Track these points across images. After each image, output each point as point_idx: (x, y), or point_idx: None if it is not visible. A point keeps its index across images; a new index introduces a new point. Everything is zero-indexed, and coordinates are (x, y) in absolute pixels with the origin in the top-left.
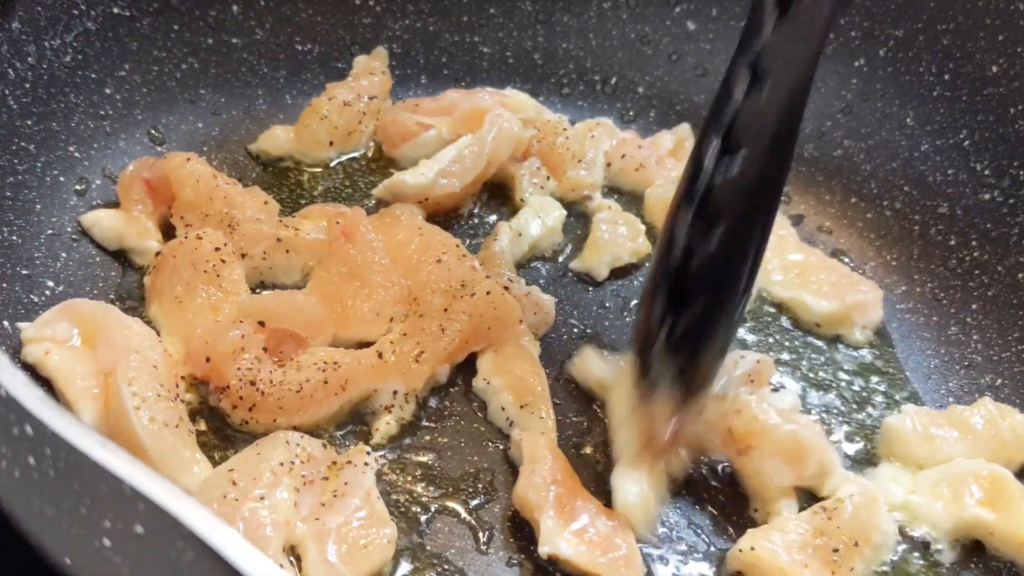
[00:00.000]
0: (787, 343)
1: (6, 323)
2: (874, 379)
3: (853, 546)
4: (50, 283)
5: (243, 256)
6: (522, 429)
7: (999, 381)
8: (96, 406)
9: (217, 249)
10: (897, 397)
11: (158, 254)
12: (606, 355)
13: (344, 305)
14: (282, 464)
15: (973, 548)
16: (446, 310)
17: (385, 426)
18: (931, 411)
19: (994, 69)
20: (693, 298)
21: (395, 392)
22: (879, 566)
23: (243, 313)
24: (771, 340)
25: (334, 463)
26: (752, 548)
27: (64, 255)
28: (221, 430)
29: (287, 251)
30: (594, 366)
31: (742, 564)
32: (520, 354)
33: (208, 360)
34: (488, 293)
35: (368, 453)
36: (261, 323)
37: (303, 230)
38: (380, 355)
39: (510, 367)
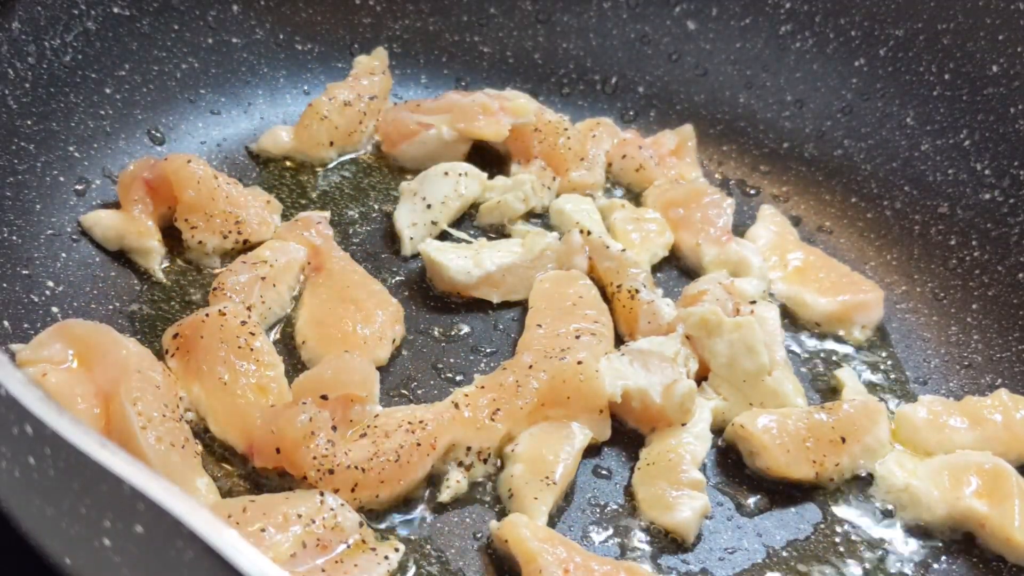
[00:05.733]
0: (786, 342)
1: (6, 323)
2: (874, 379)
3: (840, 442)
4: (50, 283)
5: (258, 305)
6: (513, 510)
7: (999, 381)
8: (99, 428)
9: (243, 323)
10: (897, 397)
11: (176, 335)
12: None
13: (344, 331)
14: (300, 516)
15: (965, 539)
16: (531, 367)
17: (456, 484)
18: (946, 400)
19: (994, 69)
20: None
21: (468, 448)
22: (865, 470)
23: (302, 391)
24: None
25: (363, 541)
26: (743, 425)
27: (64, 255)
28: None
29: (274, 285)
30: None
31: (736, 437)
32: (561, 435)
33: (278, 451)
34: (580, 363)
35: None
36: (324, 397)
37: (274, 258)
38: (456, 405)
39: (542, 440)
